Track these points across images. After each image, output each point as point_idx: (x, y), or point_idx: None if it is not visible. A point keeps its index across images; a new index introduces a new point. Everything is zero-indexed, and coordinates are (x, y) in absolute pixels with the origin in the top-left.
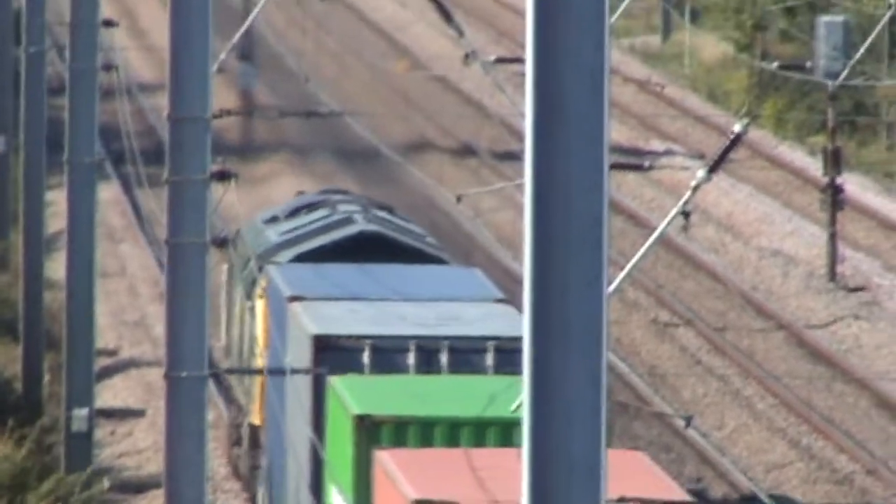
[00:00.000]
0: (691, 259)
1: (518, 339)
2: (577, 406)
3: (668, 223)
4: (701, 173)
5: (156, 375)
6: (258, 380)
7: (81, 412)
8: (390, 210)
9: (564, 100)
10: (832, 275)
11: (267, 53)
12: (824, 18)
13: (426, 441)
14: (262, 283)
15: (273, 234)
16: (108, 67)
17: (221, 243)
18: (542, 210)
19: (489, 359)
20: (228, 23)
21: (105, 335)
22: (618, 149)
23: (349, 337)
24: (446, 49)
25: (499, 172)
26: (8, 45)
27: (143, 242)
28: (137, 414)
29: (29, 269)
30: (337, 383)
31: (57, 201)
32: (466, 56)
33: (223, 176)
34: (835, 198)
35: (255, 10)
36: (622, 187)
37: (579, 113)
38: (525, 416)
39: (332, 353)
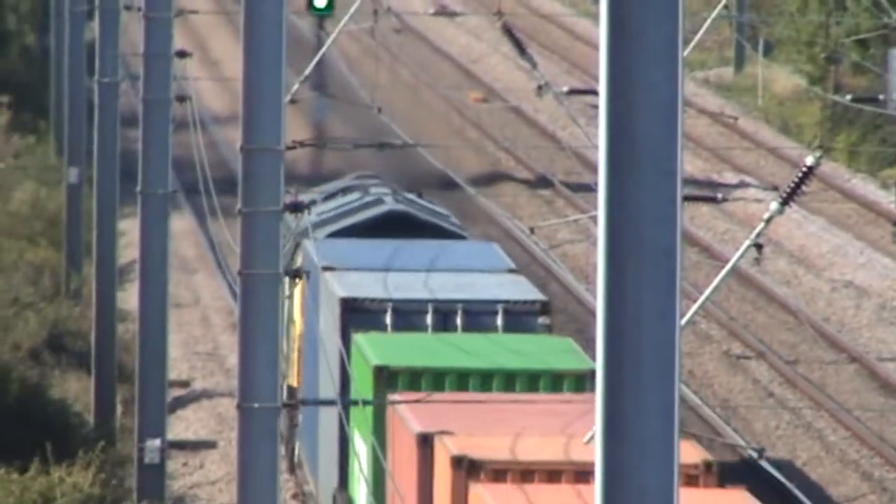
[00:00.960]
0: (764, 291)
1: (525, 303)
2: (651, 438)
3: (741, 255)
4: (774, 206)
5: (228, 406)
6: (296, 345)
7: (154, 444)
8: (418, 194)
9: (638, 131)
10: None
11: (340, 84)
12: None
13: (438, 389)
14: (299, 256)
15: (311, 215)
16: (182, 98)
17: (295, 274)
18: (615, 242)
19: (499, 319)
20: (301, 54)
21: (178, 366)
22: (691, 181)
23: (373, 300)
24: (520, 81)
25: (573, 204)
26: (81, 76)
27: (216, 273)
28: (210, 445)
29: (102, 300)
30: (360, 339)
31: (130, 232)
32: (539, 88)
33: (296, 207)
34: None
35: (328, 41)
36: (695, 219)
37: (653, 145)
38: (598, 447)
39: (358, 314)
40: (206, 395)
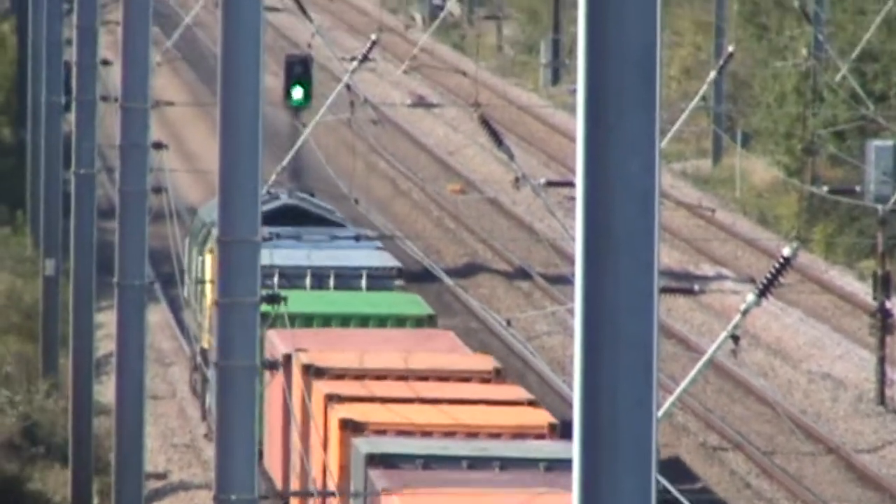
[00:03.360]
0: (741, 383)
1: (384, 269)
2: None
3: (718, 347)
4: (751, 297)
5: (205, 498)
6: (207, 311)
7: None
8: (311, 193)
9: (615, 223)
10: (881, 398)
11: (317, 176)
12: (874, 143)
13: (308, 327)
14: (210, 242)
15: None
16: (158, 190)
17: (272, 366)
18: (592, 333)
19: (363, 282)
20: (278, 146)
21: (154, 458)
22: (668, 273)
23: (263, 266)
24: (497, 172)
25: (550, 296)
26: (58, 168)
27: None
28: None
29: (78, 393)
30: None
31: (106, 324)
32: (517, 179)
33: (273, 299)
34: (884, 322)
35: (305, 133)
36: (672, 311)
37: (629, 236)
38: None
39: None
40: (183, 486)
